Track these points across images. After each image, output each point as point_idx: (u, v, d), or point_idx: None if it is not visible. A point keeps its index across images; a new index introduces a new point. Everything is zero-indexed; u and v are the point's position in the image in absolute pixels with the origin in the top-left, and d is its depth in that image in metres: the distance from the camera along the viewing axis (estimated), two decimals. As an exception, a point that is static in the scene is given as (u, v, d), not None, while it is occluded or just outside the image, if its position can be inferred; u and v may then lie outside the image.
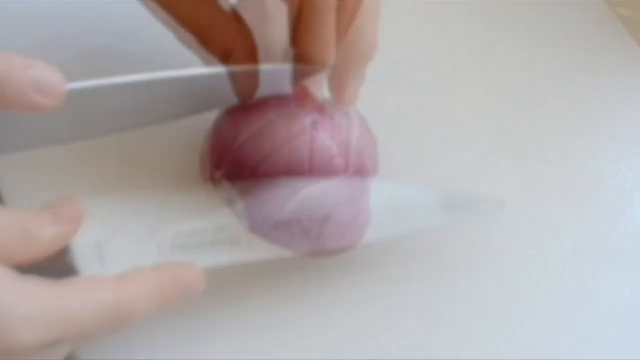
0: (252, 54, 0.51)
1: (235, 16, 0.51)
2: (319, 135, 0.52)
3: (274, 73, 0.51)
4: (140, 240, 0.48)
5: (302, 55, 0.50)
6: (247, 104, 0.54)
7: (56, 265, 0.45)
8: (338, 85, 0.52)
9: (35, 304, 0.41)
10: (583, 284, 0.55)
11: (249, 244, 0.50)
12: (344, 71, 0.52)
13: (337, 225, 0.51)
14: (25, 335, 0.41)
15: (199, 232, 0.49)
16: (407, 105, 0.56)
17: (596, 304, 0.54)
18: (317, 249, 0.51)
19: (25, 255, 0.44)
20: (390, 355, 0.52)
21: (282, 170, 0.52)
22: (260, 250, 0.50)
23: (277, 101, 0.53)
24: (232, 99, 0.52)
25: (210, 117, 0.53)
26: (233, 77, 0.50)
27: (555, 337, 0.53)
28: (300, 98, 0.53)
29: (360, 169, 0.54)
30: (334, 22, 0.49)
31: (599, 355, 0.53)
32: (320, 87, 0.53)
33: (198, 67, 0.51)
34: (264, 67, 0.51)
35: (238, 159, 0.53)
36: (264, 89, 0.52)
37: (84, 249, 0.46)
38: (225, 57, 0.51)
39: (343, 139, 0.53)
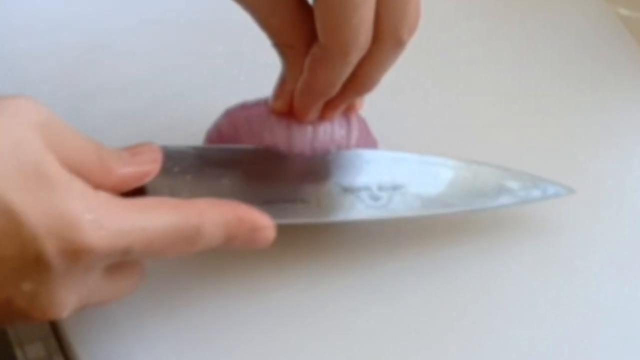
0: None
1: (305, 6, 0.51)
2: (318, 136, 0.52)
3: None
4: (212, 193, 0.49)
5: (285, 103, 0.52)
6: (247, 105, 0.54)
7: None
8: (332, 108, 0.53)
9: (104, 211, 0.42)
10: (583, 283, 0.55)
11: (319, 205, 0.51)
12: (341, 99, 0.52)
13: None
14: (94, 238, 0.42)
15: (270, 190, 0.51)
16: (406, 106, 0.56)
17: (596, 304, 0.54)
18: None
19: (99, 181, 0.44)
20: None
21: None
22: (331, 213, 0.51)
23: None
24: None
25: (210, 117, 0.53)
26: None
27: (558, 338, 0.53)
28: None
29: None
30: (333, 89, 0.51)
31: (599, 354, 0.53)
32: None
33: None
34: None
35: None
36: None
37: (158, 195, 0.47)
38: (283, 52, 0.51)
39: (342, 140, 0.53)
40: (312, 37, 0.50)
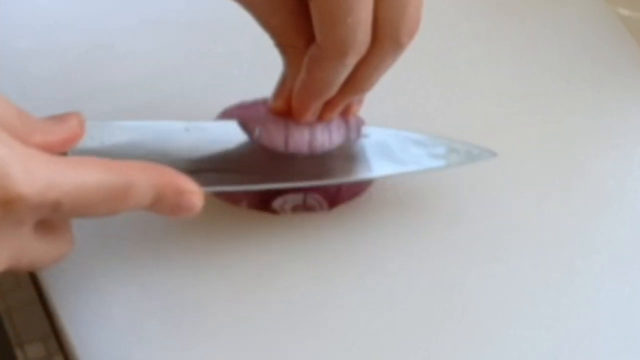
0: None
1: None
2: (316, 136, 0.52)
3: None
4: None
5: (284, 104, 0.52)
6: (245, 104, 0.54)
7: None
8: (330, 109, 0.53)
9: (34, 163, 0.42)
10: (583, 284, 0.55)
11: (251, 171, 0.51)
12: (339, 100, 0.52)
13: None
14: (24, 187, 0.42)
15: (196, 161, 0.50)
16: (405, 106, 0.56)
17: (596, 304, 0.54)
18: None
19: (24, 137, 0.44)
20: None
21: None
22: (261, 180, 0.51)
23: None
24: None
25: (209, 117, 0.53)
26: None
27: (558, 338, 0.53)
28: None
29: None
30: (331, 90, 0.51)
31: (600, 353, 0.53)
32: None
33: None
34: None
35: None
36: None
37: None
38: (285, 52, 0.51)
39: (341, 140, 0.53)
40: (313, 38, 0.50)
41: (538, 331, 0.53)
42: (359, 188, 0.55)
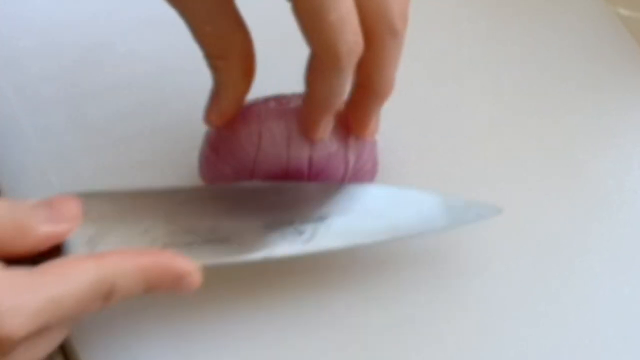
0: (246, 64, 0.51)
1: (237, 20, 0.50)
2: (316, 148, 0.52)
3: None
4: (132, 239, 0.48)
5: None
6: (245, 105, 0.54)
7: (48, 260, 0.45)
8: (360, 123, 0.53)
9: (20, 294, 0.42)
10: (583, 284, 0.55)
11: (241, 243, 0.50)
12: (364, 110, 0.52)
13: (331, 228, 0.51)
14: (14, 327, 0.41)
15: (191, 231, 0.49)
16: (406, 107, 0.56)
17: (596, 304, 0.54)
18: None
19: (17, 248, 0.44)
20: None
21: (281, 170, 0.52)
22: (253, 250, 0.50)
23: (276, 102, 0.53)
24: None
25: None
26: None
27: (558, 338, 0.53)
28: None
29: (358, 170, 0.54)
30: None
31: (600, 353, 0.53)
32: None
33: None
34: None
35: (238, 159, 0.53)
36: None
37: (76, 246, 0.47)
38: (215, 65, 0.51)
39: (342, 140, 0.53)
40: (245, 49, 0.50)
41: (537, 331, 0.53)
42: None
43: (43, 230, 0.45)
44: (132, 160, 0.57)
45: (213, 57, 0.50)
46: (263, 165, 0.52)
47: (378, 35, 0.49)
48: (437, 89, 0.61)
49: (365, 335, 0.53)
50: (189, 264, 0.47)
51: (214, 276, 0.48)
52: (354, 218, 0.52)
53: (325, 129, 0.52)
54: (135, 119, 0.58)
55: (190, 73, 0.59)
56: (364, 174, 0.54)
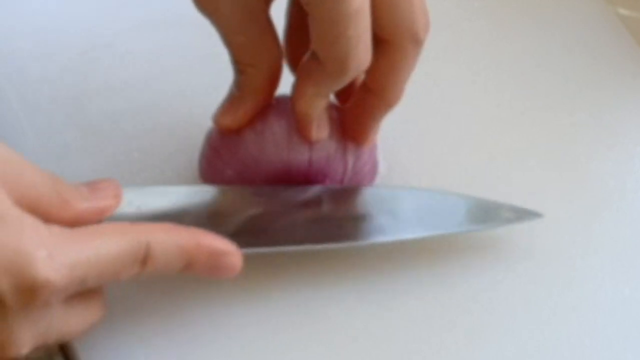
0: (274, 73, 0.51)
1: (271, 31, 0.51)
2: (315, 149, 0.52)
3: None
4: None
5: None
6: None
7: None
8: (362, 131, 0.53)
9: (57, 246, 0.42)
10: (583, 284, 0.55)
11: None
12: (369, 117, 0.52)
13: None
14: (50, 273, 0.42)
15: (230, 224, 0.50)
16: (406, 108, 0.56)
17: (596, 305, 0.54)
18: None
19: (56, 217, 0.45)
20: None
21: (282, 171, 0.52)
22: (251, 243, 0.50)
23: (277, 103, 0.53)
24: None
25: (209, 117, 0.53)
26: None
27: (557, 338, 0.53)
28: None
29: (358, 172, 0.54)
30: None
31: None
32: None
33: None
34: None
35: (238, 159, 0.53)
36: None
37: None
38: (243, 70, 0.51)
39: (341, 141, 0.53)
40: (275, 59, 0.50)
41: (538, 331, 0.53)
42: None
43: (84, 205, 0.46)
44: (132, 160, 0.57)
45: (242, 64, 0.51)
46: (264, 166, 0.52)
47: (400, 43, 0.49)
48: (437, 89, 0.61)
49: (366, 328, 0.53)
50: (227, 244, 0.47)
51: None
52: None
53: (320, 127, 0.52)
54: (135, 119, 0.58)
55: (190, 73, 0.60)
56: (363, 175, 0.54)
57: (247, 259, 0.49)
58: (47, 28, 0.61)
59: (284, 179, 0.53)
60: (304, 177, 0.53)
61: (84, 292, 0.45)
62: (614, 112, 0.62)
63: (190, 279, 0.52)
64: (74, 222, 0.45)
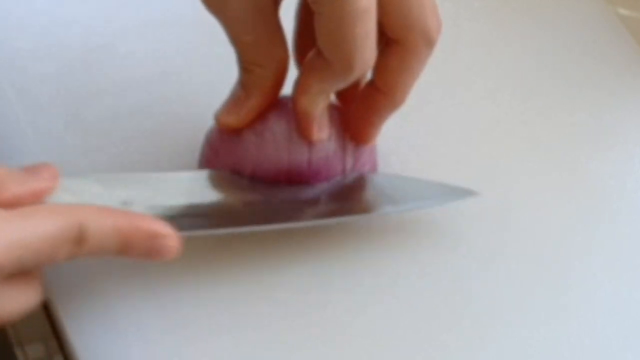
0: (280, 74, 0.51)
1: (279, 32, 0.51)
2: (315, 148, 0.52)
3: None
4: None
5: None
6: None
7: None
8: (364, 129, 0.53)
9: None
10: (583, 284, 0.55)
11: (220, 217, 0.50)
12: (375, 116, 0.52)
13: None
14: None
15: (172, 207, 0.50)
16: (406, 108, 0.56)
17: (596, 305, 0.54)
18: None
19: None
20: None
21: (281, 171, 0.52)
22: (234, 223, 0.50)
23: (277, 103, 0.53)
24: None
25: (210, 119, 0.53)
26: None
27: (557, 339, 0.53)
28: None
29: (358, 170, 0.54)
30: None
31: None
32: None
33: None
34: None
35: (238, 159, 0.53)
36: None
37: None
38: (249, 69, 0.51)
39: (340, 142, 0.53)
40: (282, 59, 0.50)
41: (537, 331, 0.53)
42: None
43: (18, 187, 0.46)
44: (132, 160, 0.57)
45: (249, 63, 0.51)
46: (263, 166, 0.52)
47: (413, 44, 0.49)
48: (437, 90, 0.61)
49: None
50: (164, 226, 0.47)
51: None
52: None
53: (321, 127, 0.52)
54: (135, 119, 0.58)
55: (190, 73, 0.60)
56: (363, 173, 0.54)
57: (245, 259, 0.49)
58: (47, 28, 0.61)
59: (283, 179, 0.53)
60: (304, 178, 0.53)
61: (21, 274, 0.45)
62: (614, 112, 0.62)
63: (191, 278, 0.53)
64: (9, 205, 0.45)
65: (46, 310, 0.53)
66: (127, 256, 0.47)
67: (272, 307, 0.53)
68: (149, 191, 0.50)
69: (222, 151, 0.53)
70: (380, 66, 0.50)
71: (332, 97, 0.54)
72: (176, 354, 0.51)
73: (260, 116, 0.52)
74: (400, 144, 0.58)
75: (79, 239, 0.45)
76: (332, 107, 0.53)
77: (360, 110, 0.52)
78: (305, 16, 0.52)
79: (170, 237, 0.47)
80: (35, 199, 0.46)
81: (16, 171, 0.47)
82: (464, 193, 0.54)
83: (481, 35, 0.64)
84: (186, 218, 0.50)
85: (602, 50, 0.64)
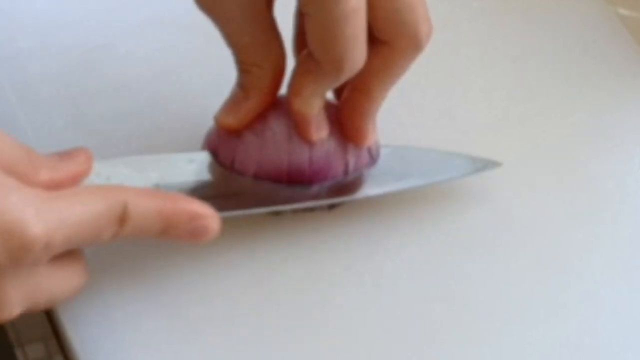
0: (278, 74, 0.51)
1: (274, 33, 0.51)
2: (315, 148, 0.52)
3: None
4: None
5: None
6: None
7: None
8: (354, 129, 0.53)
9: (43, 204, 0.43)
10: (583, 284, 0.55)
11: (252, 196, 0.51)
12: (358, 116, 0.52)
13: None
14: (39, 229, 0.42)
15: (202, 189, 0.50)
16: (406, 107, 0.56)
17: (596, 306, 0.54)
18: None
19: (32, 179, 0.45)
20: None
21: (282, 170, 0.52)
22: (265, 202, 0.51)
23: (276, 102, 0.53)
24: None
25: (210, 119, 0.53)
26: None
27: (557, 339, 0.53)
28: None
29: (360, 169, 0.54)
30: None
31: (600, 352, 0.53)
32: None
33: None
34: None
35: (238, 159, 0.53)
36: None
37: None
38: (247, 70, 0.51)
39: (341, 138, 0.53)
40: (279, 59, 0.50)
41: (537, 331, 0.53)
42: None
43: (57, 171, 0.46)
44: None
45: (246, 63, 0.51)
46: (264, 166, 0.52)
47: (400, 47, 0.50)
48: (437, 89, 0.61)
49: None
50: (205, 207, 0.47)
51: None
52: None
53: (320, 127, 0.52)
54: (135, 119, 0.58)
55: (190, 74, 0.60)
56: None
57: (245, 258, 0.49)
58: (47, 28, 0.61)
59: (284, 179, 0.53)
60: (305, 177, 0.53)
61: (67, 255, 0.45)
62: (614, 112, 0.62)
63: (191, 278, 0.53)
64: (49, 188, 0.45)
65: (46, 310, 0.53)
66: (168, 238, 0.47)
67: (273, 307, 0.53)
68: (176, 172, 0.51)
69: (221, 151, 0.53)
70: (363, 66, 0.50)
71: (331, 96, 0.54)
72: (176, 354, 0.51)
73: (260, 116, 0.52)
74: (400, 143, 0.57)
75: (122, 219, 0.45)
76: (330, 106, 0.53)
77: (345, 111, 0.52)
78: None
79: (213, 217, 0.47)
80: (73, 182, 0.47)
81: (51, 156, 0.47)
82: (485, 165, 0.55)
83: (480, 35, 0.64)
84: (219, 199, 0.50)
85: (602, 50, 0.64)
